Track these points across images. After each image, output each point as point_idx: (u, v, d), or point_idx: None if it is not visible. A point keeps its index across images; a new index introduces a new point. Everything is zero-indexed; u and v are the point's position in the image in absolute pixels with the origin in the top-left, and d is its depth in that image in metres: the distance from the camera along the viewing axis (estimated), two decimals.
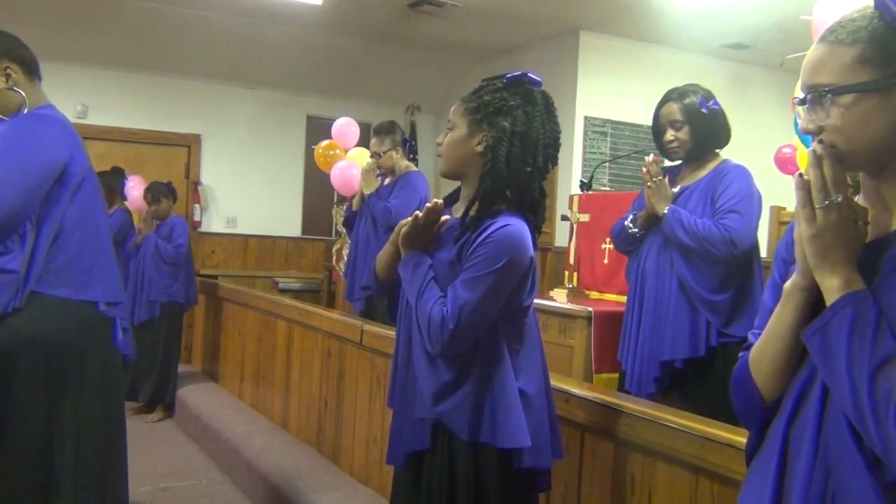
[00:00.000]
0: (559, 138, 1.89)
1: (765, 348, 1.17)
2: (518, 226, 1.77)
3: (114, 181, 5.28)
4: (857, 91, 1.05)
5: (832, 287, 1.04)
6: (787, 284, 1.13)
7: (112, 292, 2.14)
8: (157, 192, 5.17)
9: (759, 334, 1.19)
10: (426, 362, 1.81)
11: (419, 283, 1.80)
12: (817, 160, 1.05)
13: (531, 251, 1.79)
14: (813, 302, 1.10)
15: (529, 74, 1.86)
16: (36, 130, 2.02)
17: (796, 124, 3.61)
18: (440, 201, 1.88)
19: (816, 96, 1.08)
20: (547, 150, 1.84)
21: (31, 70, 2.12)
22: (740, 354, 1.24)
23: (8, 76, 2.05)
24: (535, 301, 1.89)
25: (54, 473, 2.03)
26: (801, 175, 1.06)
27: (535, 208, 1.86)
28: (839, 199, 1.04)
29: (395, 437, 1.92)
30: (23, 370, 1.98)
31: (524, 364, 1.82)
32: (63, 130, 2.07)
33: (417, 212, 1.84)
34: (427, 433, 1.82)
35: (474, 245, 1.75)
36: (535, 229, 1.85)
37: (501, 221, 1.76)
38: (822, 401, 1.08)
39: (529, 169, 1.81)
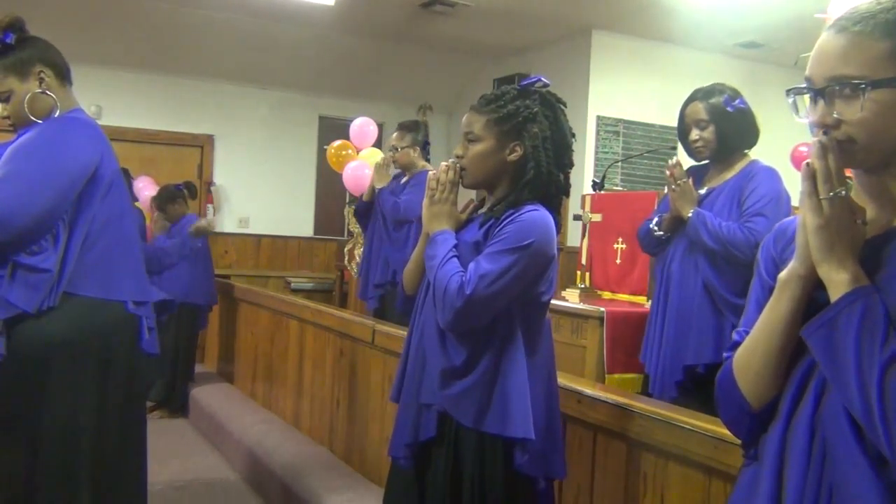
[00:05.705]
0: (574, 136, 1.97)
1: (755, 345, 1.11)
2: (545, 214, 1.80)
3: None
4: (894, 86, 1.02)
5: (840, 281, 1.01)
6: (784, 274, 1.08)
7: (140, 292, 2.17)
8: (162, 200, 5.08)
9: (746, 332, 1.14)
10: (438, 344, 1.78)
11: (442, 254, 1.77)
12: (823, 151, 1.02)
13: (555, 242, 1.80)
14: (809, 293, 1.06)
15: (542, 79, 1.90)
16: (67, 133, 2.06)
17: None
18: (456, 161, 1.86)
19: (846, 88, 1.04)
20: (570, 150, 1.92)
21: (63, 75, 2.16)
22: (725, 356, 1.18)
23: (41, 80, 2.09)
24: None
25: (77, 469, 2.05)
26: (807, 164, 1.04)
27: (559, 207, 1.90)
28: (842, 192, 1.02)
29: (400, 428, 1.88)
30: (56, 370, 2.00)
31: (532, 372, 1.79)
32: (93, 134, 2.10)
33: (444, 163, 1.85)
34: (433, 421, 1.80)
35: (502, 224, 1.77)
36: (556, 228, 1.85)
37: (529, 208, 1.78)
38: (815, 404, 1.05)
39: (561, 172, 1.89)
